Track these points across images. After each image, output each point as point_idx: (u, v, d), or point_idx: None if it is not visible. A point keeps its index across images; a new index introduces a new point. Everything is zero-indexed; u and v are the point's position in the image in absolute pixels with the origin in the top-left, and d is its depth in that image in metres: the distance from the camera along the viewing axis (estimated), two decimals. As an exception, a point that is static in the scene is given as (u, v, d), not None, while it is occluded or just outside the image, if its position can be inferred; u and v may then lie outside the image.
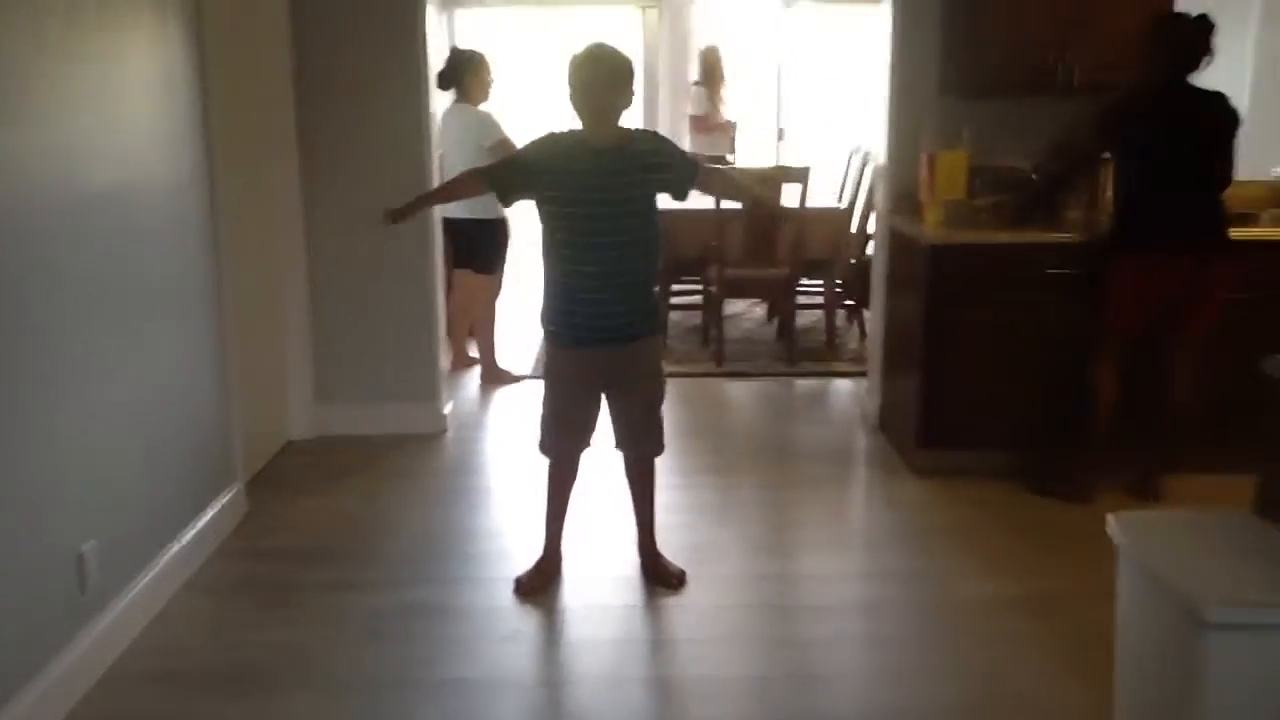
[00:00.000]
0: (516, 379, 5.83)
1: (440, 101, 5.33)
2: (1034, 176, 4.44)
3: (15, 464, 2.63)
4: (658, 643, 3.23)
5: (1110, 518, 2.35)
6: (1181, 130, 3.94)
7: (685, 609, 3.41)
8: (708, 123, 8.18)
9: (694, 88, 8.40)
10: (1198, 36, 3.90)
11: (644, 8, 9.09)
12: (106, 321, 3.09)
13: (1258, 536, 2.24)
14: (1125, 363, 4.10)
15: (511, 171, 3.38)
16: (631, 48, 3.19)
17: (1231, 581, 2.05)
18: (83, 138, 2.98)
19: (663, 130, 6.47)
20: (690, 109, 8.37)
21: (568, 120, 3.27)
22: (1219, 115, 3.98)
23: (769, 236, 6.01)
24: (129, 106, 3.27)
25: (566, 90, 3.19)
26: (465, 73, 5.57)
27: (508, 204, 3.48)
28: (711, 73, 8.23)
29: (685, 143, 7.87)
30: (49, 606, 2.80)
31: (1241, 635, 1.96)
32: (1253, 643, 1.96)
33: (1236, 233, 4.11)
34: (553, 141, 3.30)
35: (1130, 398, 4.12)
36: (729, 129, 8.23)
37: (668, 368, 3.55)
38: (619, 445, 3.54)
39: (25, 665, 2.68)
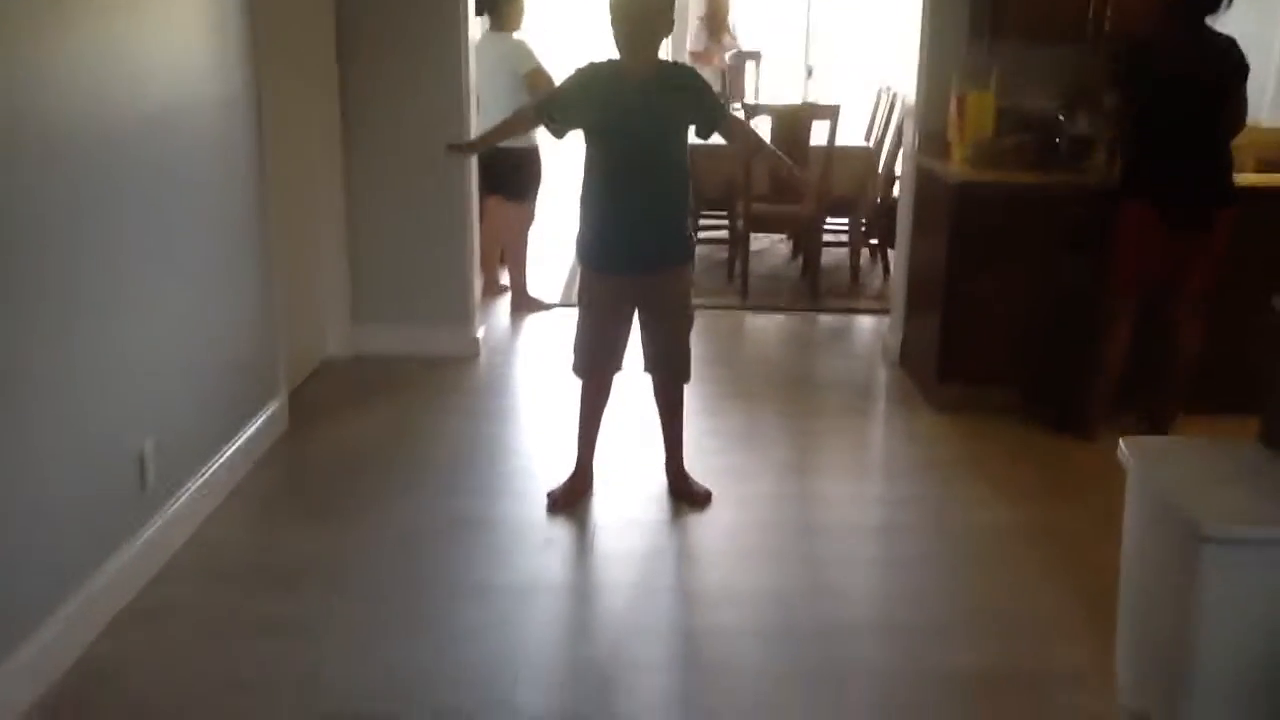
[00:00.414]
0: (546, 307, 5.96)
1: (476, 30, 5.40)
2: (1060, 118, 4.49)
3: (84, 364, 2.79)
4: (684, 555, 3.40)
5: (1121, 441, 2.48)
6: (1190, 80, 3.97)
7: (710, 525, 3.58)
8: (706, 58, 8.15)
9: (696, 22, 8.39)
10: None
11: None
12: (165, 235, 3.24)
13: (1261, 463, 2.36)
14: (1135, 311, 4.18)
15: (559, 105, 3.48)
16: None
17: (1230, 501, 2.18)
18: (149, 57, 3.11)
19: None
20: (689, 44, 8.35)
21: (597, 48, 3.37)
22: (1228, 64, 4.00)
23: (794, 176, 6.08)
24: (186, 27, 3.39)
25: (609, 12, 3.28)
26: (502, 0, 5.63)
27: (560, 136, 3.54)
28: (715, 11, 8.19)
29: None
30: (114, 500, 2.98)
31: (1237, 550, 2.09)
32: (1248, 558, 2.09)
33: (1255, 180, 4.18)
34: (592, 71, 3.41)
35: (1141, 346, 4.22)
36: (722, 66, 8.17)
37: (695, 300, 3.68)
38: (648, 368, 3.68)
39: (94, 554, 2.86)
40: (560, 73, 5.80)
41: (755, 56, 8.31)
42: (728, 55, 8.13)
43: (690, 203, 3.55)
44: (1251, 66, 4.06)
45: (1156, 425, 4.21)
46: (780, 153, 3.79)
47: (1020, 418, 4.43)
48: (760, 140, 3.92)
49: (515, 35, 5.68)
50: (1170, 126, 4.02)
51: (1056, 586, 3.21)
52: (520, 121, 3.90)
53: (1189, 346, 4.20)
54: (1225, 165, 4.07)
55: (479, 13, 5.60)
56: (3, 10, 2.44)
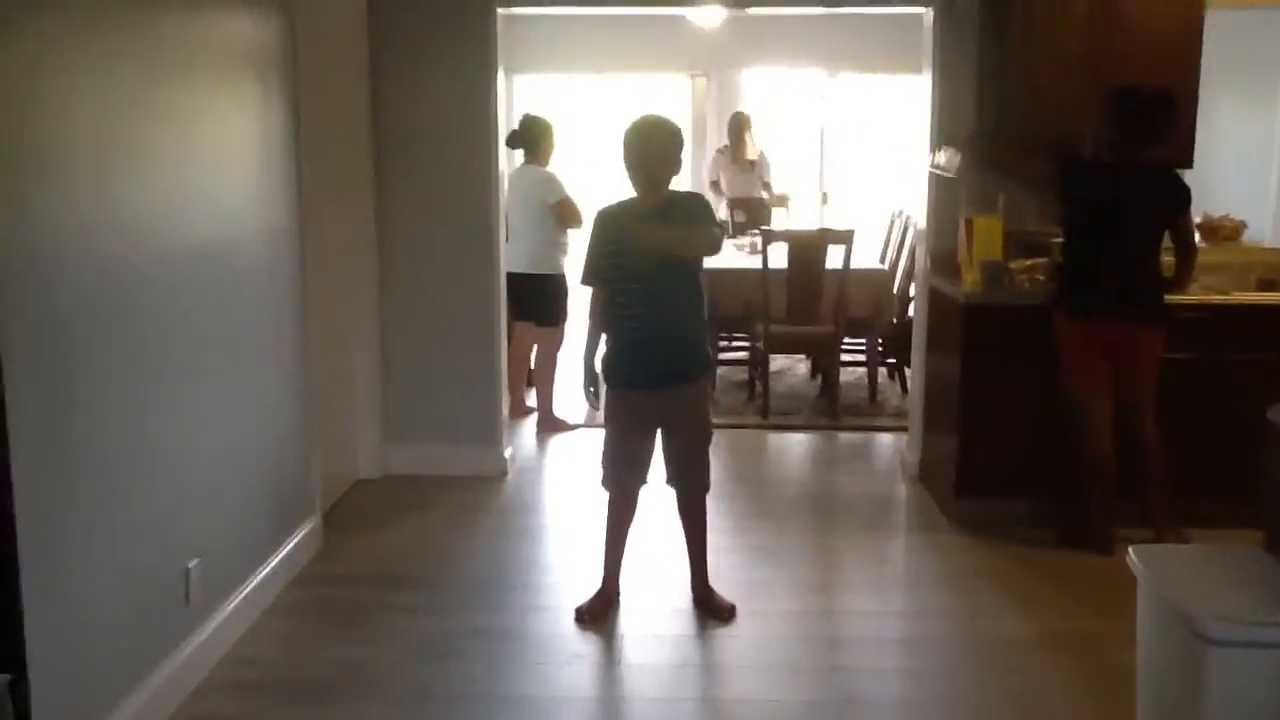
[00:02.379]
0: (571, 428, 6.10)
1: (505, 161, 5.68)
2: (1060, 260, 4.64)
3: (135, 485, 2.94)
4: (710, 667, 3.46)
5: (1130, 549, 2.58)
6: (1124, 203, 4.14)
7: (735, 639, 3.65)
8: (735, 158, 8.32)
9: (716, 154, 8.58)
10: (1149, 112, 4.09)
11: (693, 76, 9.46)
12: (214, 363, 3.43)
13: (1265, 568, 2.45)
14: (1107, 418, 4.26)
15: (597, 264, 3.68)
16: (680, 114, 3.51)
17: (1234, 603, 2.27)
18: (200, 191, 3.34)
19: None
20: (707, 174, 8.56)
21: (616, 180, 3.59)
22: (1165, 192, 4.17)
23: (813, 296, 6.28)
24: (235, 164, 3.63)
25: (622, 157, 3.55)
26: (536, 136, 5.94)
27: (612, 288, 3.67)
28: (738, 133, 8.35)
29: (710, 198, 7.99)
30: (160, 615, 3.09)
31: (1241, 652, 2.17)
32: (1252, 659, 2.18)
33: (1257, 298, 4.32)
34: (605, 218, 3.67)
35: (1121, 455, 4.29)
36: (752, 157, 8.29)
37: (716, 419, 3.84)
38: (670, 480, 3.81)
39: (139, 667, 2.97)
40: (585, 201, 6.10)
41: (784, 201, 8.49)
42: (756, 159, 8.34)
43: (705, 320, 3.72)
44: (1252, 191, 4.23)
45: (1157, 535, 4.24)
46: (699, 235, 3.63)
47: (1036, 530, 4.50)
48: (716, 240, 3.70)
49: (547, 168, 5.96)
50: (1094, 247, 4.20)
51: (1078, 693, 3.26)
52: (596, 310, 3.74)
53: (1151, 451, 4.26)
54: (1146, 286, 4.21)
55: (512, 147, 5.90)
56: (72, 147, 2.66)
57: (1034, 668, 3.43)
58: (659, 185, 3.58)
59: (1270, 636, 2.18)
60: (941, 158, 4.84)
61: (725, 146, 8.40)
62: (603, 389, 3.79)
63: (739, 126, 8.23)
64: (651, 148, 3.54)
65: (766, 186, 8.33)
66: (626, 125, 3.57)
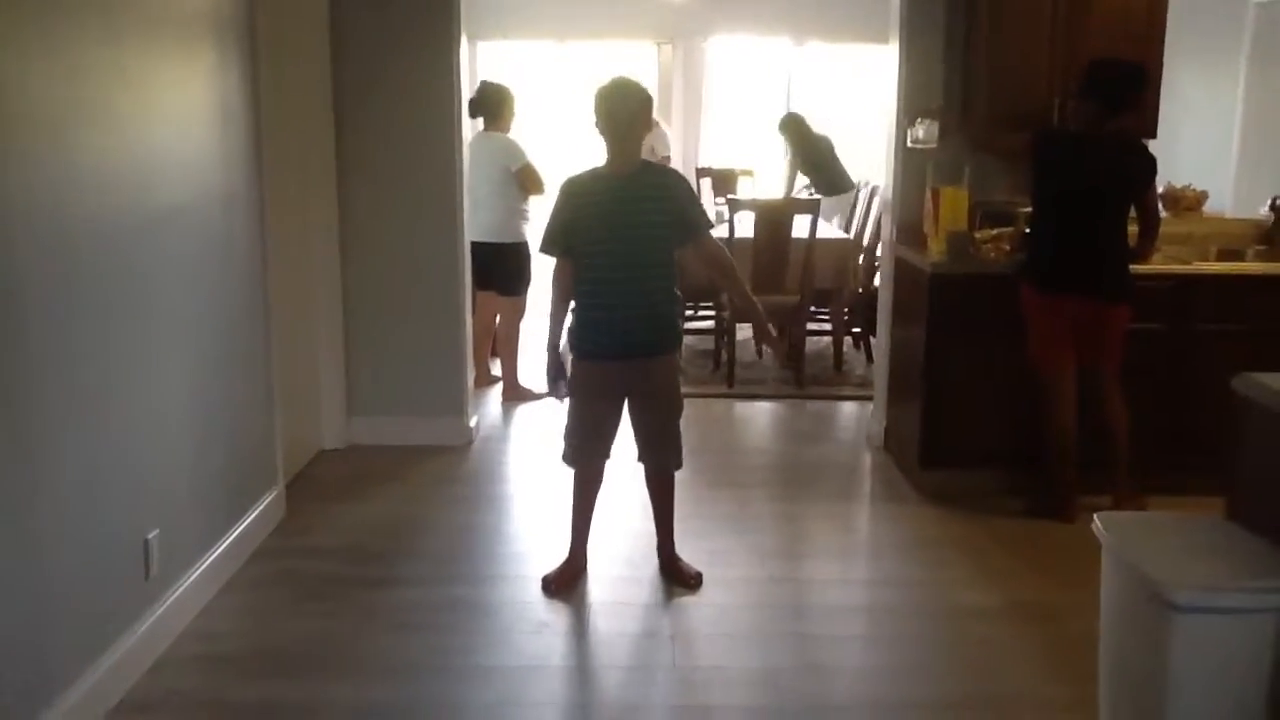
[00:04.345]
0: (537, 396, 6.07)
1: (469, 131, 5.62)
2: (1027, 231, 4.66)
3: (92, 455, 2.89)
4: (676, 636, 3.46)
5: (1095, 518, 2.59)
6: (1089, 176, 4.16)
7: (702, 607, 3.65)
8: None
9: None
10: (1124, 83, 4.12)
11: (659, 44, 9.40)
12: (173, 331, 3.36)
13: (1227, 535, 2.48)
14: (1073, 388, 4.30)
15: (561, 234, 3.60)
16: (646, 82, 3.49)
17: (1198, 570, 2.29)
18: (158, 155, 3.27)
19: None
20: None
21: (579, 148, 3.55)
22: (1133, 163, 4.18)
23: (779, 265, 6.28)
24: (194, 128, 3.56)
25: (592, 119, 3.50)
26: (496, 103, 5.87)
27: (571, 257, 3.59)
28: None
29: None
30: (118, 587, 3.05)
31: (1205, 618, 2.20)
32: (1215, 625, 2.20)
33: (1222, 268, 4.35)
34: (572, 187, 3.61)
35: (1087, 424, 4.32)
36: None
37: (682, 389, 3.80)
38: (641, 457, 3.79)
39: (97, 641, 2.93)
40: (548, 170, 6.05)
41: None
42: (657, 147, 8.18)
43: (677, 292, 3.69)
44: (1213, 162, 4.26)
45: (1116, 502, 4.28)
46: (752, 297, 3.78)
47: (1001, 499, 4.53)
48: (733, 270, 3.77)
49: (508, 135, 5.90)
50: (1062, 218, 4.22)
51: (1040, 661, 3.29)
52: (560, 280, 3.65)
53: (1115, 424, 4.30)
54: (1111, 262, 4.22)
55: (473, 115, 5.83)
56: (30, 111, 2.59)
57: (997, 636, 3.46)
58: (630, 144, 3.53)
59: (1234, 602, 2.20)
60: (920, 131, 4.83)
61: None
62: (569, 373, 3.70)
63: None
64: (624, 108, 3.48)
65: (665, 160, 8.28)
66: (596, 87, 3.52)
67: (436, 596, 3.67)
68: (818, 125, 7.86)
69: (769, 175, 8.96)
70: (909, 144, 4.95)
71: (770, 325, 3.78)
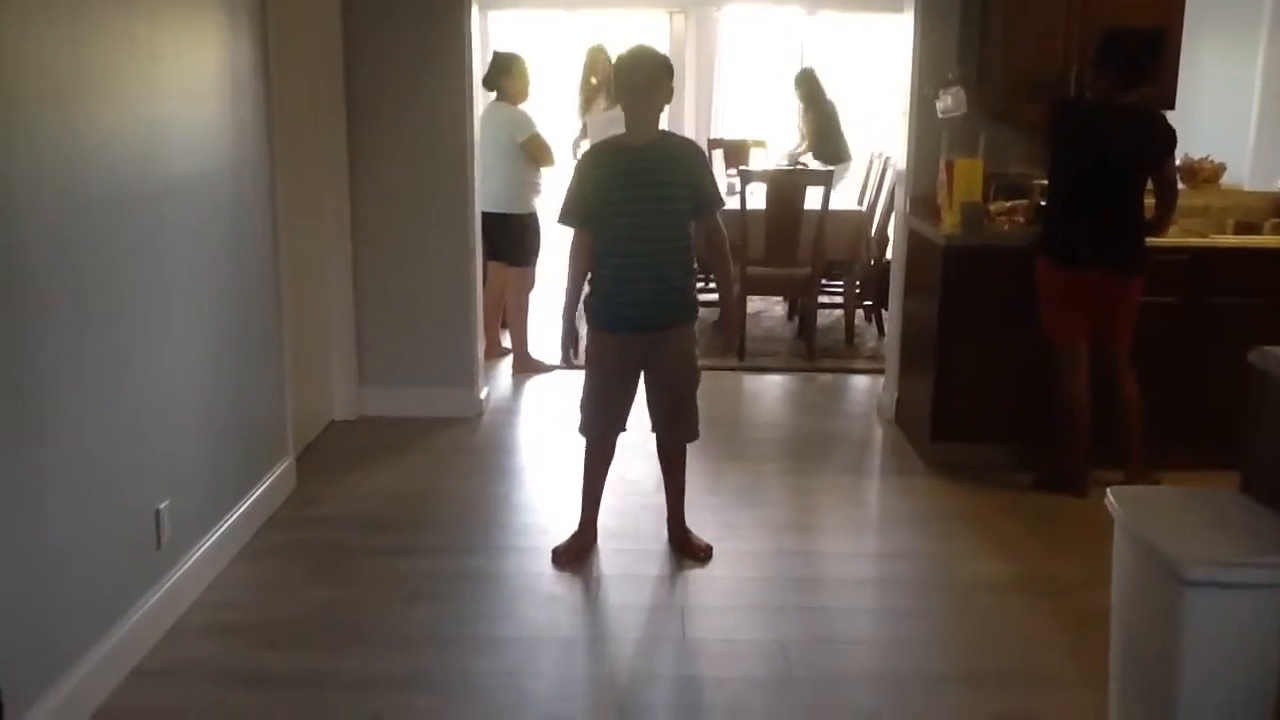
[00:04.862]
0: (548, 369, 6.07)
1: (481, 101, 5.58)
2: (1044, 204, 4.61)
3: (103, 426, 2.89)
4: (686, 607, 3.46)
5: (1108, 492, 2.58)
6: (1107, 147, 4.10)
7: (711, 579, 3.65)
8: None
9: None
10: (1143, 53, 4.05)
11: (671, 13, 9.32)
12: (184, 301, 3.36)
13: (1241, 510, 2.46)
14: (1086, 362, 4.26)
15: (578, 204, 3.58)
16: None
17: (1211, 545, 2.28)
18: (167, 126, 3.25)
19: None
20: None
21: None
22: (1152, 134, 4.12)
23: (791, 237, 6.24)
24: (204, 98, 3.54)
25: (613, 87, 3.46)
26: (505, 74, 5.83)
27: (589, 229, 3.57)
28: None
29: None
30: (130, 558, 3.06)
31: (1217, 593, 2.18)
32: (1228, 600, 2.19)
33: (1238, 241, 4.31)
34: (592, 159, 3.60)
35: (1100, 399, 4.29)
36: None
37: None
38: (655, 429, 3.78)
39: (109, 610, 2.94)
40: (558, 140, 6.00)
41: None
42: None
43: (694, 264, 3.67)
44: (1231, 133, 4.21)
45: (1129, 478, 4.25)
46: (734, 286, 3.91)
47: (1012, 473, 4.52)
48: (727, 253, 3.77)
49: (518, 106, 5.86)
50: (1081, 190, 4.16)
51: (1051, 634, 3.28)
52: (578, 253, 3.63)
53: (1128, 398, 4.27)
54: (1129, 235, 4.17)
55: (489, 88, 5.81)
56: (40, 81, 2.57)
57: (1008, 609, 3.45)
58: (649, 112, 3.50)
59: (1247, 578, 2.19)
60: (949, 99, 4.73)
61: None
62: (583, 343, 3.70)
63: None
64: (644, 72, 3.45)
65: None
66: (618, 54, 3.51)
67: (446, 567, 3.67)
68: (829, 94, 7.79)
69: (781, 147, 8.91)
70: (939, 115, 4.86)
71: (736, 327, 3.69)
